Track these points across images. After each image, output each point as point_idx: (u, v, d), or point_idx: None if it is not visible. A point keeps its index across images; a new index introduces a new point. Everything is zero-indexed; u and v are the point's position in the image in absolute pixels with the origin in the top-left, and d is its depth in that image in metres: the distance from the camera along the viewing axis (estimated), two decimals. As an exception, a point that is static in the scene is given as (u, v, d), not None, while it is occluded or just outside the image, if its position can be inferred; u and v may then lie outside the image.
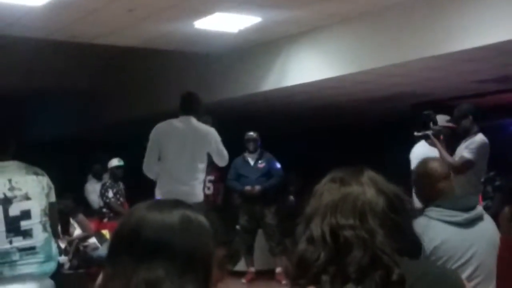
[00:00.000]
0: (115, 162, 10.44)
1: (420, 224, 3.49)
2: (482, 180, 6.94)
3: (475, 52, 7.68)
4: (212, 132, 6.41)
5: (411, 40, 8.03)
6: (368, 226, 1.75)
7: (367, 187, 1.84)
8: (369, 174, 1.89)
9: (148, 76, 12.22)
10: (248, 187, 9.08)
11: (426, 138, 6.57)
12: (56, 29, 8.76)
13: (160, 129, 6.34)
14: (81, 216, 8.52)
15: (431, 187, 3.74)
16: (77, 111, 14.17)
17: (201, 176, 6.37)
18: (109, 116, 13.58)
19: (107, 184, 10.25)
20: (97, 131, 14.54)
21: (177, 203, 1.69)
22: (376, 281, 1.68)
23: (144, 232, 1.59)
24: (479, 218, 3.60)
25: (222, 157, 6.46)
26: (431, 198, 3.70)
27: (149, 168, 6.33)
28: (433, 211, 3.57)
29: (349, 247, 1.72)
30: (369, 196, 1.81)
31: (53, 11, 7.92)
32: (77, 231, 8.44)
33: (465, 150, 6.40)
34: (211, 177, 9.40)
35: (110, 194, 10.06)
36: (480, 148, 6.42)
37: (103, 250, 7.66)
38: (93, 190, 11.18)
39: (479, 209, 3.63)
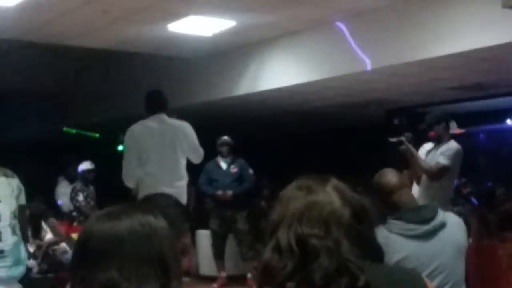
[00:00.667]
0: (86, 165, 10.35)
1: (380, 238, 3.46)
2: (454, 186, 6.98)
3: (449, 59, 7.73)
4: (187, 126, 6.18)
5: (385, 47, 8.06)
6: (333, 235, 1.76)
7: (333, 196, 1.84)
8: (334, 183, 1.90)
9: (121, 79, 12.14)
10: (219, 192, 9.05)
11: (400, 144, 6.57)
12: (28, 29, 8.67)
13: (135, 131, 6.09)
14: (52, 220, 8.44)
15: (387, 199, 3.69)
16: (47, 113, 14.04)
17: (186, 174, 6.14)
18: (80, 119, 13.48)
19: (78, 187, 10.17)
20: (67, 134, 14.42)
21: (127, 209, 1.71)
22: None
23: (91, 243, 1.63)
24: (440, 227, 3.54)
25: (197, 153, 6.19)
26: (389, 209, 3.67)
27: (129, 174, 6.01)
28: (393, 225, 3.53)
29: (316, 255, 1.72)
30: (335, 206, 1.82)
31: (26, 12, 7.84)
32: (48, 235, 8.36)
33: (441, 157, 6.41)
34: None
35: (81, 197, 9.98)
36: (456, 154, 6.45)
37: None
38: (64, 192, 11.08)
39: (440, 217, 3.57)
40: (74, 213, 10.02)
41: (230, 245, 9.24)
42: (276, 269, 1.73)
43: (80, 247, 1.66)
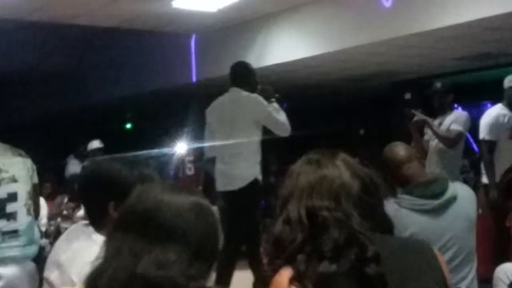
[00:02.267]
0: (96, 144, 10.35)
1: (391, 214, 3.45)
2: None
3: (455, 30, 7.70)
4: (252, 97, 5.85)
5: (391, 18, 8.03)
6: (343, 208, 1.79)
7: (343, 169, 1.87)
8: (343, 157, 1.93)
9: (126, 57, 12.13)
10: None
11: (413, 116, 6.55)
12: (34, 9, 8.65)
13: (211, 106, 6.06)
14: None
15: (396, 172, 3.68)
16: (55, 92, 14.05)
17: (246, 151, 5.80)
18: (87, 98, 13.49)
19: None
20: (74, 113, 14.44)
21: (191, 189, 1.74)
22: (351, 259, 1.70)
23: (161, 215, 1.62)
24: (451, 201, 3.54)
25: (277, 125, 5.85)
26: (399, 183, 3.66)
27: (208, 149, 6.09)
28: (403, 199, 3.53)
29: (326, 227, 1.74)
30: (344, 179, 1.85)
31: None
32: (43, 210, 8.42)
33: (453, 124, 6.47)
34: (191, 157, 9.32)
35: None
36: (467, 121, 6.57)
37: None
38: (74, 171, 11.09)
39: (451, 190, 3.56)
40: None
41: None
42: (287, 242, 1.76)
43: (145, 215, 1.63)
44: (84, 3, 8.48)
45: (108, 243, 1.65)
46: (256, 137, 5.83)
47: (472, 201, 3.70)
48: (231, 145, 5.76)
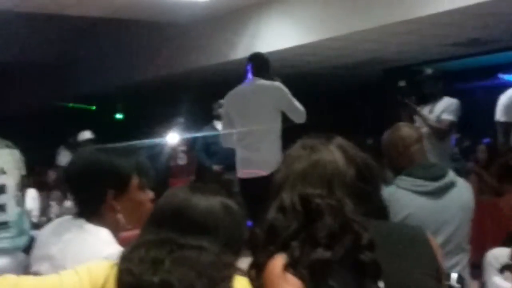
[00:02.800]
0: (87, 134, 10.31)
1: (388, 194, 3.42)
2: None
3: (445, 16, 7.69)
4: (276, 86, 6.04)
5: (382, 5, 8.01)
6: (336, 195, 1.78)
7: (337, 155, 1.86)
8: (338, 142, 1.91)
9: (117, 48, 12.10)
10: (216, 167, 8.85)
11: (406, 105, 6.55)
12: (23, 0, 8.61)
13: (228, 96, 6.19)
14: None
15: (402, 154, 3.65)
16: (45, 84, 14.01)
17: (272, 136, 5.92)
18: (77, 89, 13.45)
19: None
20: (66, 103, 14.41)
21: (217, 189, 1.85)
22: (346, 246, 1.69)
23: (191, 212, 1.74)
24: (450, 186, 3.54)
25: (296, 112, 6.02)
26: (403, 165, 3.65)
27: (226, 138, 6.22)
28: (402, 181, 3.53)
29: (320, 214, 1.73)
30: (338, 165, 1.83)
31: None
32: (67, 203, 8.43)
33: (444, 113, 6.41)
34: (183, 148, 9.30)
35: None
36: (458, 109, 6.47)
37: None
38: (65, 162, 11.07)
39: (451, 176, 3.57)
40: None
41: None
42: (281, 228, 1.75)
43: (176, 213, 1.74)
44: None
45: (141, 237, 1.76)
46: (279, 124, 6.00)
47: (470, 192, 3.69)
48: (257, 132, 5.88)
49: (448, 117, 6.40)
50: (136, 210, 2.34)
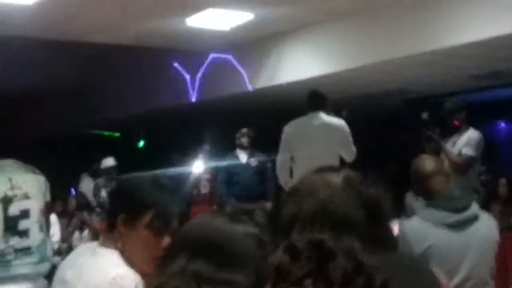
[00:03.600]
0: (110, 162, 10.38)
1: (412, 226, 3.48)
2: (480, 177, 6.95)
3: (466, 48, 7.69)
4: (344, 125, 6.41)
5: (403, 36, 8.04)
6: (347, 239, 1.74)
7: (347, 194, 1.80)
8: (348, 177, 1.85)
9: (140, 75, 12.18)
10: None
11: (430, 139, 6.53)
12: (46, 27, 8.72)
13: (292, 126, 6.43)
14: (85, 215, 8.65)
15: (421, 185, 3.69)
16: (68, 110, 14.11)
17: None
18: (100, 116, 13.54)
19: (100, 183, 10.21)
20: (89, 130, 14.50)
21: (246, 220, 1.79)
22: (360, 286, 1.67)
23: (231, 246, 1.68)
24: (473, 219, 3.50)
25: (350, 152, 6.37)
26: (424, 196, 3.65)
27: (282, 169, 6.38)
28: (425, 212, 3.53)
29: (333, 256, 1.70)
30: (349, 209, 1.78)
31: (44, 9, 7.89)
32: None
33: (465, 147, 6.33)
34: (207, 176, 9.34)
35: (103, 193, 10.01)
36: (479, 143, 6.39)
37: None
38: (87, 189, 11.11)
39: (473, 209, 3.54)
40: (97, 209, 10.07)
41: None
42: (291, 269, 1.72)
43: (205, 244, 1.68)
44: (98, 20, 8.54)
45: (167, 261, 1.68)
46: (337, 159, 6.32)
47: (493, 225, 3.66)
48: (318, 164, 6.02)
49: (468, 152, 6.33)
50: (138, 247, 2.31)
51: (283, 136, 6.51)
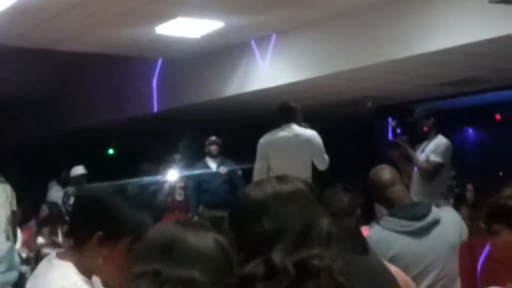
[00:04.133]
0: (80, 170, 10.34)
1: (374, 235, 3.53)
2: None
3: (437, 55, 7.75)
4: (315, 135, 6.73)
5: (373, 44, 8.08)
6: (332, 253, 1.71)
7: (325, 209, 1.80)
8: (308, 184, 1.86)
9: (109, 83, 12.13)
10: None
11: (397, 146, 6.56)
12: (15, 35, 8.64)
13: (265, 139, 6.76)
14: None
15: (380, 195, 3.72)
16: (36, 118, 13.99)
17: (307, 175, 6.39)
18: (69, 123, 13.44)
19: (70, 192, 10.15)
20: (57, 138, 14.38)
21: (208, 225, 1.85)
22: None
23: (182, 246, 1.69)
24: (434, 224, 3.56)
25: (323, 161, 6.63)
26: (384, 205, 3.70)
27: (259, 174, 6.55)
28: (387, 221, 3.56)
29: (316, 275, 1.67)
30: (329, 221, 1.77)
31: (12, 17, 7.81)
32: (39, 240, 8.35)
33: (432, 154, 6.38)
34: (182, 184, 9.37)
35: (72, 201, 9.94)
36: (447, 150, 6.44)
37: None
38: (56, 196, 11.02)
39: (434, 214, 3.59)
40: (66, 218, 9.99)
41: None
42: (262, 284, 1.68)
43: (164, 246, 1.70)
44: (68, 29, 8.47)
45: (129, 271, 1.70)
46: (310, 167, 6.65)
47: (456, 226, 3.71)
48: (296, 174, 6.27)
49: (435, 158, 6.37)
50: (112, 269, 2.29)
51: (259, 148, 6.79)
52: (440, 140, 6.48)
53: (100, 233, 2.29)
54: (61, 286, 2.18)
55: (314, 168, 6.82)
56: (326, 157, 6.71)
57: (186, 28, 8.69)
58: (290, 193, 1.82)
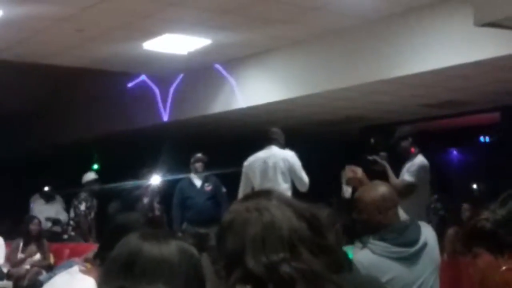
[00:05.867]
0: (91, 175, 10.29)
1: (364, 260, 3.41)
2: (432, 205, 6.97)
3: (422, 77, 7.80)
4: (290, 155, 6.96)
5: (360, 64, 8.12)
6: (301, 256, 1.66)
7: (286, 211, 1.74)
8: (278, 196, 1.79)
9: (95, 98, 12.09)
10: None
11: (374, 163, 6.58)
12: (2, 48, 8.62)
13: (248, 161, 7.09)
14: (44, 241, 8.56)
15: (382, 214, 3.54)
16: (20, 132, 13.90)
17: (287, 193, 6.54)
18: (53, 137, 13.38)
19: (82, 196, 9.98)
20: (44, 152, 14.29)
21: (171, 235, 1.82)
22: None
23: (143, 259, 1.68)
24: (424, 247, 3.52)
25: (301, 181, 6.85)
26: (380, 225, 3.55)
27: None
28: (377, 246, 3.46)
29: (292, 283, 1.64)
30: (292, 222, 1.71)
31: (0, 30, 7.80)
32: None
33: (406, 174, 6.40)
34: (158, 199, 9.42)
35: (83, 207, 9.87)
36: (420, 170, 6.41)
37: (44, 276, 7.43)
38: (39, 210, 10.89)
39: (424, 237, 3.53)
40: (71, 222, 9.93)
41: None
42: None
43: (126, 261, 1.69)
44: (55, 43, 8.46)
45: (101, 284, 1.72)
46: (290, 185, 6.90)
47: (436, 242, 3.68)
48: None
49: (407, 178, 6.37)
50: None
51: (243, 170, 7.10)
52: (416, 160, 6.47)
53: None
54: None
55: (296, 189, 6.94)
56: (304, 177, 6.90)
57: (174, 45, 8.71)
58: (256, 207, 1.78)
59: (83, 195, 10.07)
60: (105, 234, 2.65)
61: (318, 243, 1.70)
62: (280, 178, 6.84)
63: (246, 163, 7.13)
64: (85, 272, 2.48)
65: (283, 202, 1.78)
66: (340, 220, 3.41)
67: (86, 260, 2.68)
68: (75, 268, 2.53)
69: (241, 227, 1.73)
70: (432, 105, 9.76)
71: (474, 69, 7.40)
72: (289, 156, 6.97)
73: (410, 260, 3.47)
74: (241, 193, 6.97)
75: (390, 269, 3.42)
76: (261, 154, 7.06)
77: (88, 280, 2.41)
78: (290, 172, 6.88)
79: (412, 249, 3.48)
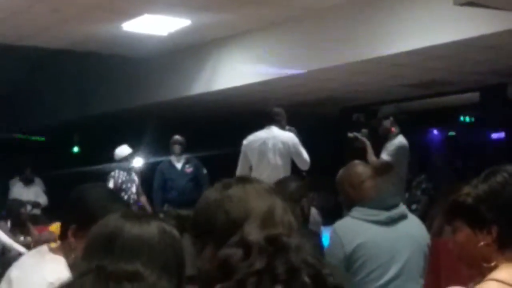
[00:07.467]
0: (126, 150, 9.21)
1: (343, 224, 3.59)
2: (414, 183, 7.02)
3: (402, 57, 7.81)
4: (292, 137, 6.97)
5: (339, 45, 8.11)
6: (295, 234, 1.75)
7: (274, 196, 1.84)
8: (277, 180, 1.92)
9: (74, 80, 12.01)
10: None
11: (356, 139, 6.67)
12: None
13: (248, 140, 7.09)
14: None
15: (356, 189, 3.74)
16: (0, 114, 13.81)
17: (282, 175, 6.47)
18: (32, 121, 13.30)
19: (115, 174, 9.31)
20: (17, 135, 14.22)
21: (152, 216, 1.83)
22: (305, 282, 1.66)
23: (120, 241, 1.69)
24: (402, 217, 3.61)
25: (302, 161, 6.85)
26: (357, 200, 3.71)
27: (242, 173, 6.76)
28: (356, 211, 3.59)
29: (286, 251, 1.69)
30: (283, 204, 1.82)
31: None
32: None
33: (384, 153, 6.53)
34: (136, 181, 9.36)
35: (134, 189, 9.11)
36: (398, 149, 6.56)
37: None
38: (20, 194, 10.77)
39: (402, 208, 3.65)
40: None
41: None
42: (239, 265, 1.69)
43: (106, 240, 1.70)
44: (32, 24, 8.38)
45: (77, 267, 1.72)
46: (289, 167, 6.91)
47: (421, 227, 3.76)
48: (273, 174, 6.44)
49: (384, 157, 6.52)
50: None
51: (242, 149, 7.10)
52: (395, 140, 6.62)
53: (73, 226, 2.37)
54: (53, 279, 2.22)
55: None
56: (305, 157, 6.90)
57: (153, 26, 8.65)
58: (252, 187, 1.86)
59: (116, 172, 9.12)
60: (65, 207, 2.57)
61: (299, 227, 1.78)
62: (278, 160, 6.87)
63: (245, 142, 7.14)
64: (54, 250, 2.44)
65: (273, 188, 1.87)
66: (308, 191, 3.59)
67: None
68: (45, 248, 2.48)
69: (244, 202, 1.81)
70: (413, 85, 9.78)
71: (453, 49, 7.41)
72: (289, 138, 6.98)
73: (386, 223, 3.55)
74: (239, 171, 7.01)
75: (366, 231, 3.51)
76: (261, 134, 7.06)
77: (58, 259, 2.38)
78: (291, 154, 6.90)
79: (388, 213, 3.57)
